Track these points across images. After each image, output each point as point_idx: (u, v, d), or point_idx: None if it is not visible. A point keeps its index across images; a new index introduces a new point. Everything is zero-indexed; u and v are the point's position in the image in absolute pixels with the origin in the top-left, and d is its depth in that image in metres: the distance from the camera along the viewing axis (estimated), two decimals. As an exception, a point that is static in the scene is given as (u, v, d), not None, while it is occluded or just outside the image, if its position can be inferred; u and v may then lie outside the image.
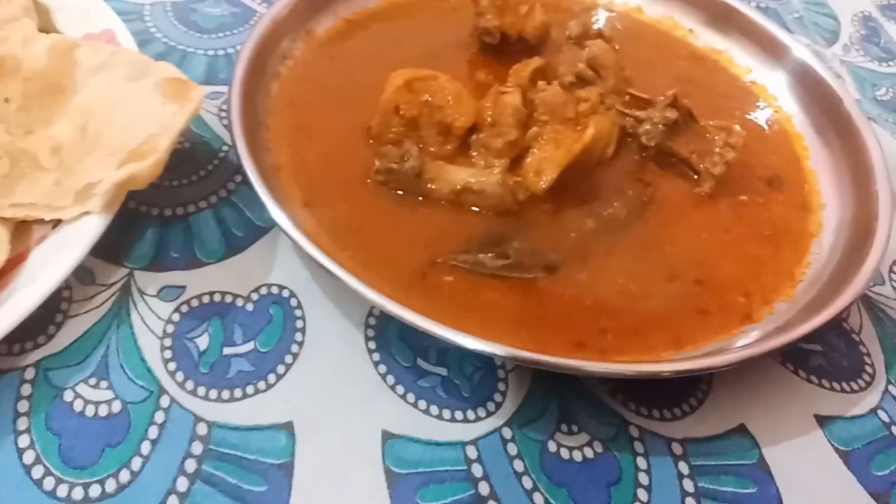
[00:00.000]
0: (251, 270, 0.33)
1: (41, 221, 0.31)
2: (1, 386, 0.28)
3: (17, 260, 0.30)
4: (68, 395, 0.28)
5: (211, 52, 0.45)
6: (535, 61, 0.44)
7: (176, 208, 0.35)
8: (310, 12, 0.45)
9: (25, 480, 0.25)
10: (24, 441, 0.26)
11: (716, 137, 0.40)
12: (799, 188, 0.41)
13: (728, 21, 0.50)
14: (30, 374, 0.28)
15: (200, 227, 0.34)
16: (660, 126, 0.41)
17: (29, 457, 0.26)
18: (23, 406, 0.27)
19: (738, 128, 0.40)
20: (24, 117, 0.34)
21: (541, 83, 0.41)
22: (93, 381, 0.28)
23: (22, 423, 0.27)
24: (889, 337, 0.37)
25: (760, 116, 0.46)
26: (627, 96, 0.43)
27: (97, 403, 0.28)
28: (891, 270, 0.40)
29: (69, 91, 0.36)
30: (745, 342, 0.32)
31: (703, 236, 0.38)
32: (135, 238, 0.33)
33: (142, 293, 0.31)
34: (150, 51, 0.43)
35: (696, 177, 0.40)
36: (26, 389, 0.28)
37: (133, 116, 0.33)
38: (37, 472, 0.26)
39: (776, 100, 0.47)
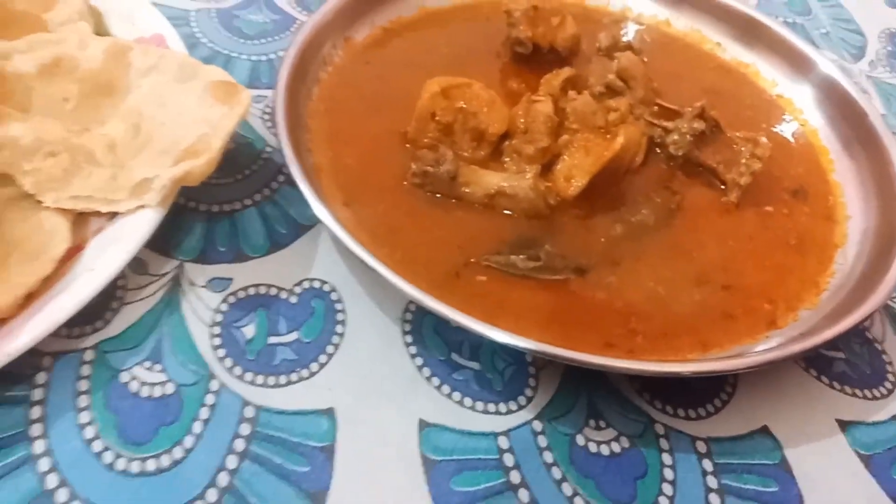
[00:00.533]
0: (294, 265, 0.35)
1: (98, 213, 0.33)
2: (62, 366, 0.30)
3: (75, 249, 0.32)
4: (125, 377, 0.30)
5: (254, 58, 0.47)
6: (566, 71, 0.46)
7: (223, 205, 0.37)
8: (349, 21, 0.47)
9: (87, 454, 0.27)
10: (84, 417, 0.28)
11: (742, 148, 0.42)
12: (824, 200, 0.43)
13: (755, 35, 0.51)
14: (89, 356, 0.30)
15: (245, 224, 0.36)
16: (687, 136, 0.42)
17: (89, 432, 0.28)
18: (83, 385, 0.29)
19: (764, 139, 0.41)
20: (81, 116, 0.36)
21: (571, 93, 0.43)
22: (147, 364, 0.30)
23: (83, 401, 0.29)
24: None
25: (786, 129, 0.47)
26: (656, 107, 0.45)
27: (152, 385, 0.30)
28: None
29: (122, 91, 0.38)
30: (769, 346, 0.34)
31: (730, 244, 0.39)
32: (184, 232, 0.35)
33: (192, 284, 0.33)
34: (196, 55, 0.45)
35: (722, 187, 0.42)
36: (86, 370, 0.30)
37: (183, 116, 0.35)
38: (97, 446, 0.27)
39: (802, 113, 0.48)
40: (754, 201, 0.41)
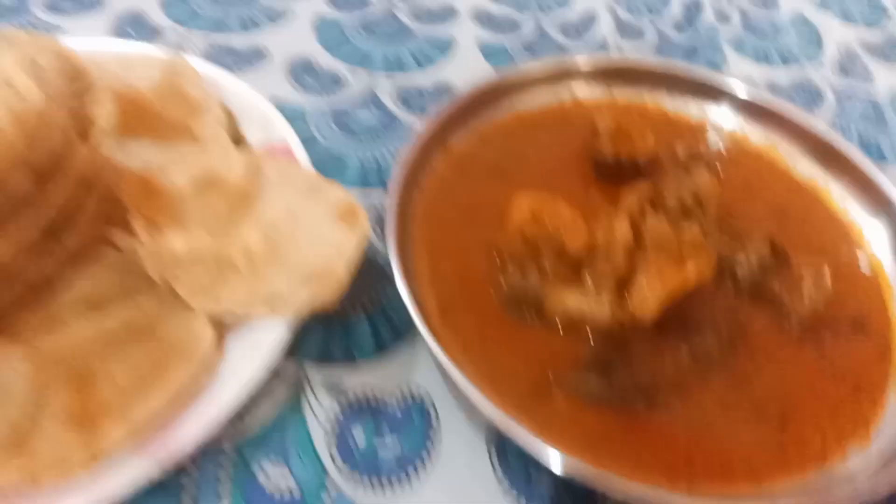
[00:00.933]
0: (398, 372, 0.41)
1: (235, 313, 0.40)
2: (207, 461, 0.36)
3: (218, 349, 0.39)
4: (257, 472, 0.36)
5: (363, 157, 0.53)
6: (644, 188, 0.50)
7: (337, 313, 0.42)
8: (451, 128, 0.53)
9: (228, 541, 0.33)
10: (225, 508, 0.34)
11: (806, 278, 0.46)
12: (883, 335, 0.46)
13: (831, 159, 0.54)
14: (229, 451, 0.36)
15: (358, 330, 0.42)
16: (754, 266, 0.46)
17: (229, 522, 0.34)
18: (225, 479, 0.35)
19: (827, 272, 0.45)
20: (223, 224, 0.43)
21: (649, 213, 0.48)
22: (277, 462, 0.36)
23: (224, 493, 0.35)
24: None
25: (852, 258, 0.50)
26: (727, 229, 0.49)
27: (278, 481, 0.35)
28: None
29: (256, 200, 0.44)
30: (818, 485, 0.38)
31: (788, 375, 0.43)
32: (305, 335, 0.41)
33: (311, 386, 0.39)
34: (312, 153, 0.51)
35: (785, 317, 0.45)
36: (226, 465, 0.36)
37: (311, 234, 0.41)
38: (236, 534, 0.34)
39: (870, 245, 0.51)
40: (815, 333, 0.45)
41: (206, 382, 0.37)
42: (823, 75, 0.66)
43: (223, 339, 0.39)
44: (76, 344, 0.37)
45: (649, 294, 0.43)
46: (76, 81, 0.39)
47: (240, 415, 0.37)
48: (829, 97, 0.65)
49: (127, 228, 0.39)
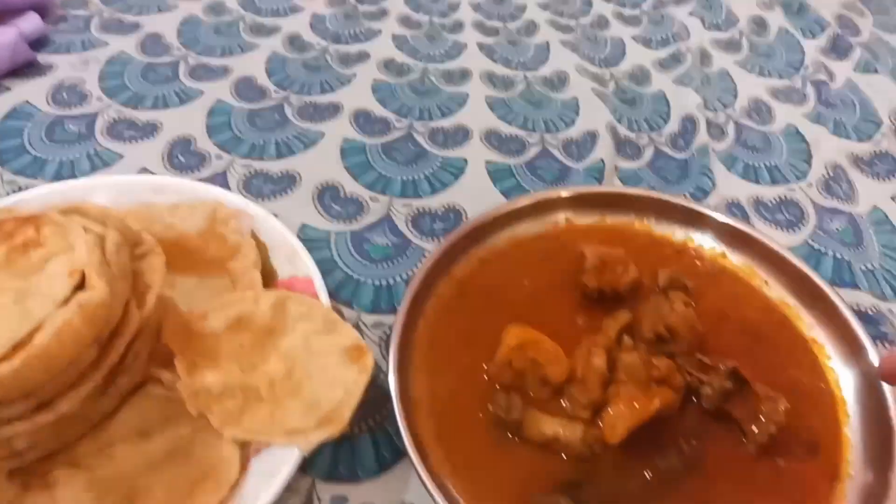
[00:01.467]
0: (395, 488, 0.48)
1: (258, 440, 0.47)
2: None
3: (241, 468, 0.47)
4: (271, 584, 0.43)
5: (377, 282, 0.61)
6: (623, 317, 0.57)
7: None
8: (454, 256, 0.61)
9: None
10: None
11: (764, 408, 0.51)
12: (833, 456, 0.51)
13: (803, 289, 0.60)
14: (248, 558, 0.44)
15: (362, 448, 0.50)
16: (718, 393, 0.52)
17: None
18: (244, 586, 0.43)
19: (783, 406, 0.51)
20: (251, 358, 0.51)
21: (625, 339, 0.55)
22: (288, 568, 0.44)
23: None
24: None
25: (814, 377, 0.56)
26: (696, 359, 0.55)
27: (290, 587, 0.43)
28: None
29: (279, 333, 0.52)
30: None
31: (742, 494, 0.49)
32: (316, 454, 0.48)
33: (320, 501, 0.47)
34: (332, 279, 0.60)
35: (744, 438, 0.51)
36: (245, 574, 0.43)
37: (326, 373, 0.49)
38: None
39: (830, 360, 0.57)
40: (771, 453, 0.50)
41: (233, 498, 0.45)
42: (808, 194, 0.72)
43: (248, 459, 0.47)
44: (125, 469, 0.45)
45: (618, 421, 0.50)
46: (136, 247, 0.48)
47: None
48: (811, 216, 0.70)
49: (170, 366, 0.48)
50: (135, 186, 0.62)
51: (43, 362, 0.38)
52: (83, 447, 0.45)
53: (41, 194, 0.60)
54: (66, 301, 0.41)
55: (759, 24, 1.03)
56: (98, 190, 0.61)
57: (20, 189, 0.65)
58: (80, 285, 0.42)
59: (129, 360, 0.46)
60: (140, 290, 0.47)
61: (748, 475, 0.50)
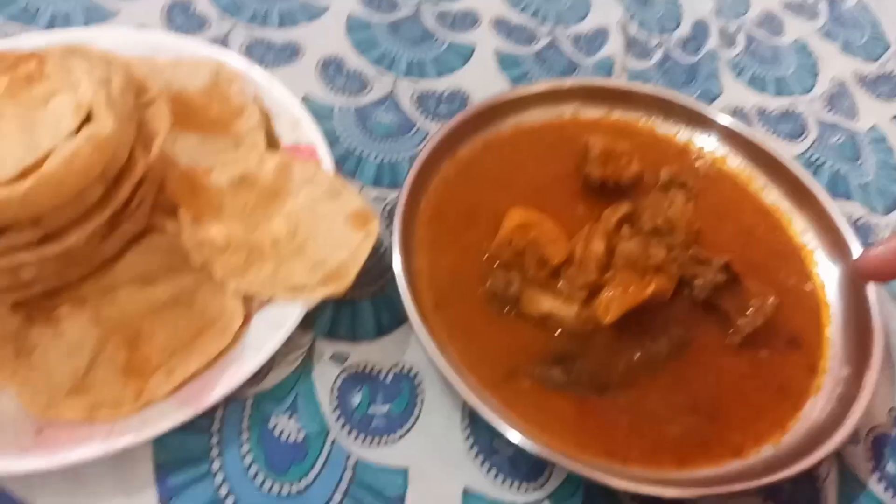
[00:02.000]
0: (392, 350, 0.50)
1: (260, 295, 0.48)
2: (232, 409, 0.45)
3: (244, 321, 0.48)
4: (272, 422, 0.45)
5: (380, 158, 0.61)
6: (624, 207, 0.58)
7: (346, 296, 0.51)
8: (459, 137, 0.61)
9: (245, 475, 0.43)
10: (245, 448, 0.44)
11: (752, 302, 0.54)
12: (814, 352, 0.54)
13: (798, 192, 0.62)
14: (249, 403, 0.45)
15: (361, 312, 0.51)
16: (709, 284, 0.54)
17: (248, 459, 0.43)
18: (244, 424, 0.44)
19: (771, 300, 0.53)
20: (255, 217, 0.51)
21: (624, 228, 0.56)
22: (287, 414, 0.45)
23: (244, 436, 0.44)
24: (849, 493, 0.49)
25: (801, 279, 0.58)
26: (691, 252, 0.56)
27: (289, 431, 0.45)
28: (867, 434, 0.52)
29: (284, 196, 0.52)
30: (732, 472, 0.46)
31: (724, 380, 0.51)
32: (318, 313, 0.50)
33: (320, 356, 0.48)
34: (334, 152, 0.59)
35: (730, 330, 0.54)
36: (247, 413, 0.45)
37: (329, 234, 0.49)
38: (252, 470, 0.43)
39: (817, 266, 0.59)
40: (753, 345, 0.53)
41: (235, 349, 0.46)
42: (812, 108, 0.73)
43: (251, 314, 0.48)
44: (129, 310, 0.46)
45: (612, 303, 0.51)
46: (141, 96, 0.47)
47: (259, 373, 0.45)
48: (813, 130, 0.71)
49: (173, 217, 0.48)
50: (134, 41, 0.61)
51: (52, 187, 0.38)
52: (87, 287, 0.45)
53: (35, 42, 0.59)
54: (74, 134, 0.40)
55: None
56: (95, 42, 0.58)
57: (10, 36, 0.63)
58: (86, 122, 0.42)
59: (133, 205, 0.45)
60: (145, 138, 0.46)
61: (730, 363, 0.52)
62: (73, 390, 0.42)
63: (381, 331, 0.50)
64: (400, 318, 0.51)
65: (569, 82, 0.67)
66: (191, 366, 0.44)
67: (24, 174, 0.38)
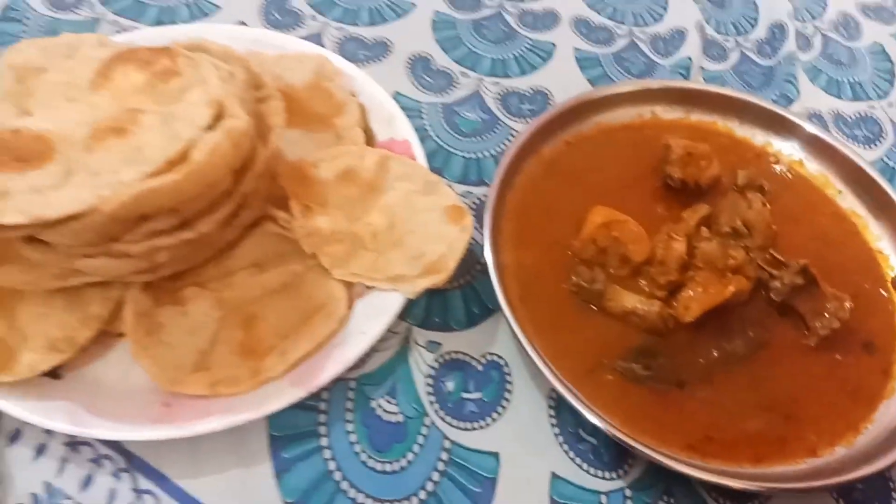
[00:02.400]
0: (483, 339, 0.52)
1: (361, 283, 0.51)
2: (337, 389, 0.48)
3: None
4: (373, 404, 0.48)
5: (466, 155, 0.64)
6: (703, 209, 0.59)
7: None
8: (543, 136, 0.63)
9: (351, 451, 0.46)
10: (350, 427, 0.47)
11: (829, 305, 0.55)
12: (888, 356, 0.55)
13: (874, 197, 0.62)
14: (353, 385, 0.49)
15: (453, 303, 0.54)
16: (787, 287, 0.56)
17: (353, 437, 0.47)
18: (349, 405, 0.48)
19: (847, 303, 0.54)
20: (356, 209, 0.54)
21: (703, 230, 0.58)
22: (387, 397, 0.48)
23: (349, 416, 0.47)
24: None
25: (876, 284, 0.59)
26: (769, 254, 0.58)
27: (389, 413, 0.48)
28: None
29: (381, 190, 0.55)
30: (807, 470, 0.48)
31: (800, 381, 0.53)
32: (414, 303, 0.53)
33: (416, 343, 0.51)
34: (425, 147, 0.62)
35: (806, 331, 0.55)
36: (351, 395, 0.48)
37: (427, 228, 0.52)
38: (356, 447, 0.46)
39: (893, 271, 0.60)
40: (829, 347, 0.54)
41: (340, 333, 0.49)
42: (888, 113, 0.73)
43: (353, 301, 0.51)
44: (245, 294, 0.50)
45: (693, 302, 0.53)
46: (259, 91, 0.50)
47: (362, 358, 0.49)
48: (889, 134, 0.72)
49: (283, 207, 0.52)
50: (239, 36, 0.64)
51: (198, 178, 0.41)
52: (209, 271, 0.49)
53: (149, 36, 0.62)
54: (211, 128, 0.44)
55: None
56: (206, 37, 0.62)
57: (124, 30, 0.67)
58: (218, 116, 0.45)
59: (250, 195, 0.49)
60: (262, 131, 0.49)
61: (806, 364, 0.54)
62: (196, 367, 0.46)
63: (472, 321, 0.53)
64: (488, 310, 0.54)
65: (650, 83, 0.69)
66: (302, 348, 0.47)
67: (169, 165, 0.41)
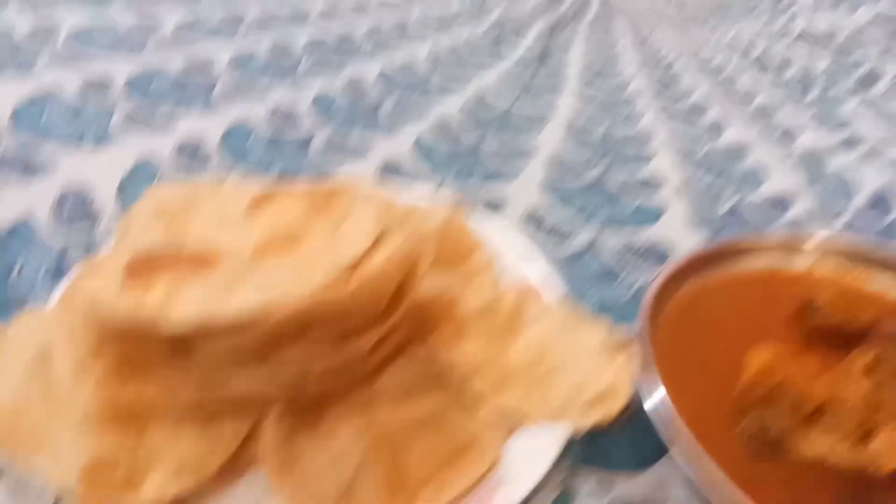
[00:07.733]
0: (655, 486, 0.43)
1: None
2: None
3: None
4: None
5: (594, 302, 0.59)
6: (869, 353, 0.52)
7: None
8: (679, 283, 0.58)
9: None
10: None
11: None
12: None
13: None
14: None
15: (615, 442, 0.46)
16: None
17: None
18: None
19: None
20: (499, 342, 0.48)
21: (878, 373, 0.50)
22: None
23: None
24: None
25: None
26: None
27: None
28: None
29: (521, 328, 0.50)
30: None
31: None
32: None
33: (579, 486, 0.43)
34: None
35: None
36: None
37: (581, 361, 0.46)
38: None
39: None
40: None
41: (494, 473, 0.41)
42: None
43: (503, 438, 0.43)
44: (388, 426, 0.43)
45: (892, 449, 0.45)
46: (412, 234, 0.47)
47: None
48: None
49: (423, 340, 0.47)
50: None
51: (365, 293, 0.38)
52: (352, 398, 0.43)
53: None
54: (374, 248, 0.40)
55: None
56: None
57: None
58: (380, 240, 0.42)
59: (399, 321, 0.44)
60: (413, 272, 0.46)
61: None
62: (339, 500, 0.38)
63: (641, 463, 0.45)
64: (656, 454, 0.45)
65: (793, 234, 0.65)
66: (455, 488, 0.39)
67: (336, 280, 0.38)
